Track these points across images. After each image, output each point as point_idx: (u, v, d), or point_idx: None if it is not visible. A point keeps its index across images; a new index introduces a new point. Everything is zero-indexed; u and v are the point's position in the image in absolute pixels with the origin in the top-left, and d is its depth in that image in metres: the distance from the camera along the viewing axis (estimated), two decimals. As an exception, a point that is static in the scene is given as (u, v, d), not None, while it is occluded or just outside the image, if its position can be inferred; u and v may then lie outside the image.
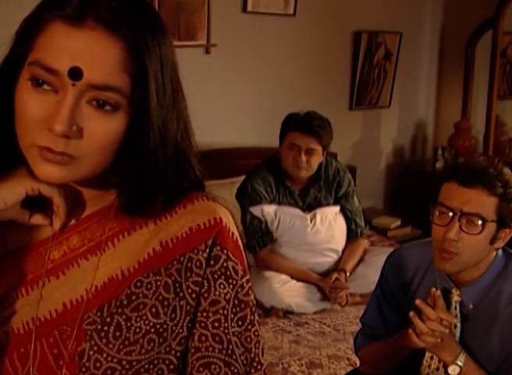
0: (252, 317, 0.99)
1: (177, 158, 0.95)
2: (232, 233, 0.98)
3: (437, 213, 1.83)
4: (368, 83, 4.80)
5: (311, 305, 3.25)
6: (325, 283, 3.30)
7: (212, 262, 0.96)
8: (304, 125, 3.31)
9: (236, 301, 0.97)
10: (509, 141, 5.16)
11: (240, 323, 0.98)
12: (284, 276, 3.30)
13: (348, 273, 3.38)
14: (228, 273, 0.96)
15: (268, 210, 3.38)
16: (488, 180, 1.76)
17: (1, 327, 0.93)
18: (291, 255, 3.40)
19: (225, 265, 0.96)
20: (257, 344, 1.00)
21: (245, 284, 0.98)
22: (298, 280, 3.33)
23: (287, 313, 3.20)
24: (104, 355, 0.90)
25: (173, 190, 0.96)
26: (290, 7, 4.23)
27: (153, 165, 0.91)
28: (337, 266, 3.43)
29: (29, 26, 0.87)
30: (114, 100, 0.85)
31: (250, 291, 0.99)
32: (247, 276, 0.99)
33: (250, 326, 0.99)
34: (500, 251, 1.88)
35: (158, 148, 0.90)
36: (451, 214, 1.79)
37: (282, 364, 2.72)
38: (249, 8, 4.06)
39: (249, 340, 0.99)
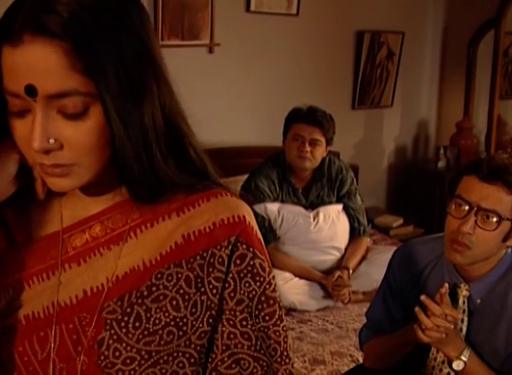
0: (280, 312, 1.00)
1: (167, 137, 0.93)
2: (256, 231, 0.99)
3: (453, 205, 1.83)
4: (370, 83, 4.82)
5: (314, 302, 3.26)
6: (328, 280, 3.31)
7: (238, 261, 0.96)
8: (307, 116, 3.38)
9: (262, 298, 0.98)
10: (510, 140, 5.18)
11: (267, 318, 0.99)
12: (287, 274, 3.32)
13: (351, 271, 3.40)
14: (255, 270, 0.97)
15: (272, 208, 3.41)
16: (510, 178, 1.76)
17: (22, 310, 0.95)
18: (294, 252, 3.42)
19: (251, 263, 0.97)
20: (285, 339, 1.01)
21: (272, 281, 0.99)
22: (301, 277, 3.34)
23: (290, 310, 3.21)
24: (124, 344, 0.92)
25: (177, 174, 0.95)
26: (293, 7, 4.24)
27: (124, 148, 0.88)
28: (340, 264, 3.45)
29: None
30: (80, 103, 0.85)
31: (276, 288, 1.00)
32: (273, 273, 1.00)
33: (279, 322, 1.00)
34: (510, 249, 1.89)
35: (127, 131, 0.87)
36: (468, 208, 1.79)
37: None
38: (252, 7, 4.08)
39: (278, 334, 0.99)
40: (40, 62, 0.82)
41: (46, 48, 0.82)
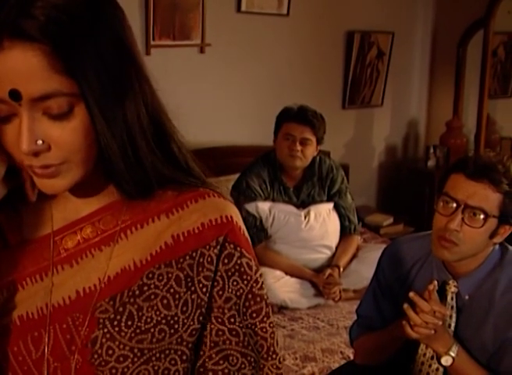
0: (267, 309, 1.02)
1: (152, 131, 0.94)
2: (244, 231, 1.01)
3: (441, 203, 1.86)
4: (360, 83, 4.84)
5: (305, 300, 3.28)
6: (319, 278, 3.34)
7: (226, 261, 0.98)
8: (298, 115, 3.41)
9: (249, 296, 1.00)
10: (499, 139, 5.22)
11: (254, 315, 1.00)
12: (278, 272, 3.34)
13: (341, 269, 3.43)
14: (242, 269, 0.99)
15: (263, 207, 3.42)
16: (496, 176, 1.78)
17: (16, 311, 0.96)
18: (285, 251, 3.44)
19: (239, 262, 0.98)
20: (272, 335, 1.02)
21: (259, 279, 1.01)
22: (292, 276, 3.37)
23: (282, 309, 3.23)
24: (117, 342, 0.93)
25: (163, 164, 0.96)
26: (284, 7, 4.27)
27: (109, 145, 0.90)
28: (331, 262, 3.48)
29: None
30: (64, 103, 0.86)
31: (263, 285, 1.02)
32: (260, 271, 1.02)
33: (265, 318, 1.01)
34: (497, 245, 1.92)
35: (110, 128, 0.89)
36: (455, 205, 1.82)
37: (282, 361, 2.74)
38: (243, 8, 4.10)
39: (265, 330, 1.01)
40: (22, 67, 0.83)
41: (26, 53, 0.83)
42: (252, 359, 1.01)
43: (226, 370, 1.00)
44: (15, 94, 0.84)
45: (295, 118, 3.40)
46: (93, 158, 0.91)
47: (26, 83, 0.83)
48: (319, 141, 3.44)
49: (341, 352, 2.83)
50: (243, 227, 1.01)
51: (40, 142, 0.86)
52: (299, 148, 3.37)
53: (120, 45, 0.90)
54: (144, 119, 0.93)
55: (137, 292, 0.95)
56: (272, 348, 1.02)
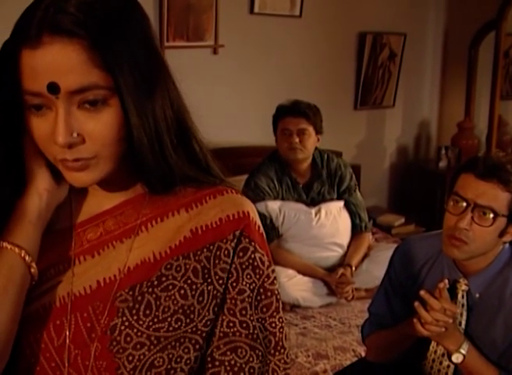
0: (277, 304, 1.05)
1: (176, 128, 0.98)
2: (259, 227, 1.04)
3: (451, 202, 1.89)
4: (372, 84, 4.86)
5: (317, 299, 3.31)
6: (332, 278, 3.36)
7: (241, 254, 1.01)
8: (291, 109, 3.46)
9: (261, 290, 1.03)
10: (511, 140, 5.22)
11: (264, 309, 1.03)
12: (291, 271, 3.35)
13: (354, 268, 3.44)
14: (255, 263, 1.02)
15: (273, 206, 3.45)
16: (505, 175, 1.81)
17: (40, 300, 1.00)
18: (297, 250, 3.46)
19: (252, 256, 1.02)
20: (281, 329, 1.05)
21: (270, 274, 1.04)
22: (305, 274, 3.38)
23: (294, 307, 3.26)
24: (135, 330, 0.96)
25: (184, 163, 1.00)
26: (296, 8, 4.29)
27: (140, 138, 0.93)
28: (342, 261, 3.49)
29: (5, 59, 0.91)
30: (100, 95, 0.89)
31: (275, 281, 1.05)
32: (272, 267, 1.05)
33: (275, 313, 1.04)
34: (507, 244, 1.94)
35: (142, 122, 0.93)
36: (465, 204, 1.84)
37: (290, 355, 2.77)
38: (256, 9, 4.13)
39: (274, 325, 1.04)
40: (62, 61, 0.87)
41: (66, 47, 0.87)
42: (260, 353, 1.04)
43: (233, 361, 1.03)
44: (53, 88, 0.88)
45: (289, 112, 3.46)
46: (121, 154, 0.95)
47: (64, 76, 0.87)
48: (318, 131, 3.48)
49: (353, 350, 2.85)
50: (259, 223, 1.05)
51: (75, 135, 0.90)
52: (297, 139, 3.41)
53: (148, 44, 0.95)
54: (169, 116, 0.97)
55: (156, 282, 0.98)
56: (280, 343, 1.05)
